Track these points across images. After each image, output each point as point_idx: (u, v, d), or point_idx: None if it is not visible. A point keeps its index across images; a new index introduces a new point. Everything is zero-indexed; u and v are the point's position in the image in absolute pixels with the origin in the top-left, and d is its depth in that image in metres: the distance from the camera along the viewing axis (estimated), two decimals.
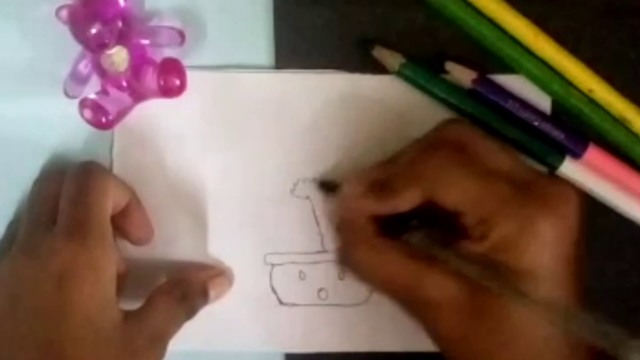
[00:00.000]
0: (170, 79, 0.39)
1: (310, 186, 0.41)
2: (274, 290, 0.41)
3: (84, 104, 0.39)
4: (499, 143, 0.37)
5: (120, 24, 0.37)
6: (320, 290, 0.41)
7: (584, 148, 0.39)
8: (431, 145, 0.36)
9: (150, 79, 0.39)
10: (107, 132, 0.40)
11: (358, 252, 0.37)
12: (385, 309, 0.40)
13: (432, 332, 0.36)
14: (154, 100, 0.40)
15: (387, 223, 0.37)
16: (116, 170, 0.40)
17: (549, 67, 0.39)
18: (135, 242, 0.40)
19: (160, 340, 0.37)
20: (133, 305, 0.37)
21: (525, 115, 0.39)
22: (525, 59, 0.39)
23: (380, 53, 0.40)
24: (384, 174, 0.37)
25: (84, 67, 0.39)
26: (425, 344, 0.37)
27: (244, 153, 0.41)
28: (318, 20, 0.40)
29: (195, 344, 0.40)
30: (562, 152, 0.39)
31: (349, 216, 0.38)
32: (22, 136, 0.41)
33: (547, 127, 0.39)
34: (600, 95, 0.39)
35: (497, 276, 0.33)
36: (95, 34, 0.37)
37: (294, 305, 0.41)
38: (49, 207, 0.37)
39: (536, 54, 0.39)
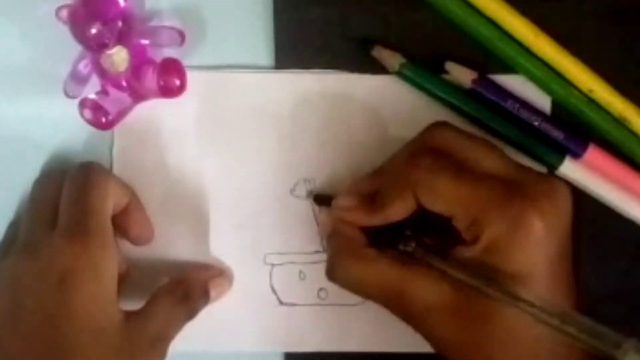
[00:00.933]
0: (170, 79, 0.39)
1: (310, 186, 0.41)
2: (273, 290, 0.41)
3: (84, 104, 0.39)
4: (485, 141, 0.36)
5: (120, 24, 0.37)
6: (320, 290, 0.41)
7: (584, 148, 0.39)
8: (417, 152, 0.36)
9: (150, 79, 0.39)
10: (107, 132, 0.40)
11: (347, 264, 0.37)
12: (385, 309, 0.40)
13: (429, 337, 0.36)
14: (153, 101, 0.40)
15: (380, 232, 0.37)
16: (116, 170, 0.40)
17: (549, 67, 0.39)
18: (135, 241, 0.40)
19: (161, 341, 0.37)
20: (133, 305, 0.37)
21: (525, 115, 0.39)
22: (525, 59, 0.39)
23: (380, 53, 0.40)
24: (374, 186, 0.37)
25: (83, 67, 0.39)
26: (425, 345, 0.37)
27: (244, 153, 0.41)
28: (318, 20, 0.40)
29: (195, 344, 0.40)
30: (563, 152, 0.39)
31: (340, 228, 0.38)
32: (22, 136, 0.41)
33: (547, 127, 0.39)
34: (600, 95, 0.39)
35: (492, 280, 0.33)
36: (95, 34, 0.37)
37: (293, 305, 0.41)
38: (49, 208, 0.37)
39: (536, 54, 0.39)
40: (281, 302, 0.41)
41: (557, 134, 0.39)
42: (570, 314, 0.31)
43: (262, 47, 0.40)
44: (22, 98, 0.41)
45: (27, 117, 0.41)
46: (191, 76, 0.40)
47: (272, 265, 0.41)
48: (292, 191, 0.41)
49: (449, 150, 0.36)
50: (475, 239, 0.34)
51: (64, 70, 0.39)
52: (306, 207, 0.41)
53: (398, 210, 0.36)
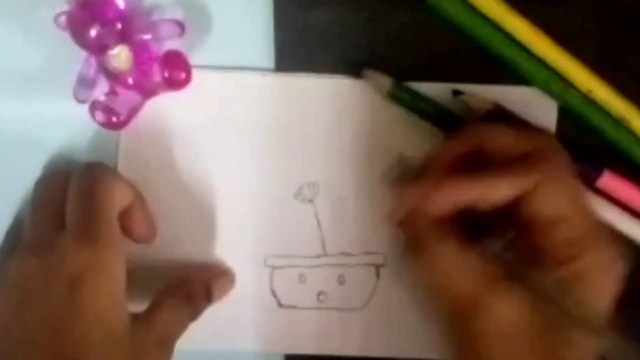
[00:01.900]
0: (175, 70, 0.39)
1: (313, 190, 0.41)
2: (273, 293, 0.41)
3: (94, 106, 0.39)
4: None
5: (119, 25, 0.38)
6: (319, 293, 0.41)
7: (598, 174, 0.39)
8: (548, 145, 0.35)
9: (156, 73, 0.39)
10: (112, 132, 0.40)
11: (441, 247, 0.34)
12: (384, 314, 0.40)
13: (478, 356, 0.34)
14: (158, 101, 0.40)
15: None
16: (121, 169, 0.41)
17: (549, 68, 0.39)
18: (138, 240, 0.40)
19: (167, 342, 0.37)
20: (135, 305, 0.37)
21: None
22: (525, 59, 0.39)
23: (369, 77, 0.40)
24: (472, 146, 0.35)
25: (89, 70, 0.39)
26: (424, 350, 0.36)
27: (249, 155, 0.41)
28: (319, 22, 0.40)
29: (195, 344, 0.40)
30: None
31: (431, 205, 0.35)
32: (27, 136, 0.41)
33: None
34: (600, 95, 0.39)
35: (575, 305, 0.32)
36: (95, 37, 0.37)
37: (293, 307, 0.41)
38: (54, 208, 0.37)
39: (536, 54, 0.39)
40: (281, 305, 0.41)
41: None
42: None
43: (262, 49, 0.40)
44: (27, 99, 0.41)
45: (31, 117, 0.41)
46: (194, 77, 0.40)
47: (273, 267, 0.41)
48: (296, 195, 0.41)
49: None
50: (570, 259, 0.33)
51: (69, 69, 0.39)
52: (309, 211, 0.41)
53: (505, 189, 0.33)
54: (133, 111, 0.40)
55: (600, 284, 0.32)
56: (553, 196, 0.33)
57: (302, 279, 0.41)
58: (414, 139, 0.40)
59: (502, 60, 0.39)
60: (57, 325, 0.35)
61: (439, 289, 0.35)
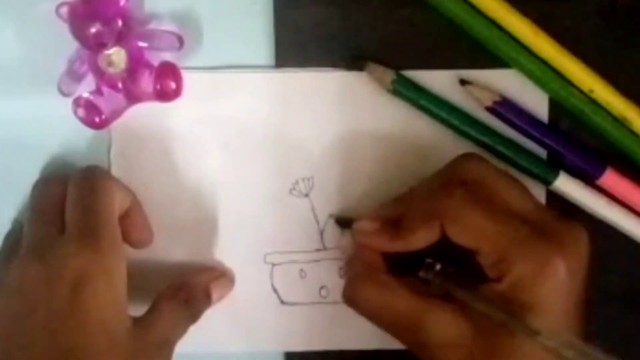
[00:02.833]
0: (167, 83, 0.39)
1: (309, 185, 0.41)
2: (275, 290, 0.41)
3: (77, 102, 0.39)
4: (515, 180, 0.37)
5: (120, 23, 0.37)
6: (321, 288, 0.41)
7: (601, 172, 0.40)
8: (447, 182, 0.36)
9: (147, 81, 0.39)
10: (105, 134, 0.40)
11: (366, 289, 0.37)
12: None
13: None
14: (151, 101, 0.39)
15: (400, 259, 0.37)
16: (114, 172, 0.40)
17: (549, 67, 0.39)
18: (136, 244, 0.39)
19: (167, 345, 0.37)
20: (134, 308, 0.37)
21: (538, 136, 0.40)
22: (525, 58, 0.39)
23: (372, 71, 0.40)
24: (399, 211, 0.37)
25: (79, 65, 0.39)
26: None
27: (243, 153, 0.41)
28: (318, 19, 0.40)
29: (197, 344, 0.40)
30: (557, 167, 0.40)
31: (361, 252, 0.38)
32: (18, 137, 0.40)
33: (563, 150, 0.40)
34: (600, 95, 0.39)
35: (512, 314, 0.33)
36: (95, 33, 0.37)
37: (295, 304, 0.41)
38: (54, 211, 0.37)
39: (536, 54, 0.39)
40: (282, 302, 0.41)
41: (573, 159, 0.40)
42: (589, 351, 0.31)
43: (262, 46, 0.40)
44: (17, 98, 0.40)
45: (23, 117, 0.40)
46: (191, 76, 0.39)
47: (273, 264, 0.41)
48: (291, 190, 0.41)
49: (480, 184, 0.36)
50: (500, 277, 0.34)
51: (60, 69, 0.39)
52: (305, 206, 0.41)
53: (422, 239, 0.36)
54: (115, 114, 0.39)
55: (540, 289, 0.33)
56: (458, 234, 0.35)
57: (302, 274, 0.41)
58: (416, 133, 0.40)
59: (503, 59, 0.39)
60: (59, 330, 0.34)
61: (377, 321, 0.37)
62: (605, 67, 0.39)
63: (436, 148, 0.40)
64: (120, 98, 0.39)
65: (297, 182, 0.41)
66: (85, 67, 0.39)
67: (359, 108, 0.40)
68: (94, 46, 0.37)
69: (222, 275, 0.41)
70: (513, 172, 0.39)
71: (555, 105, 0.40)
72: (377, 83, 0.40)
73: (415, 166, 0.40)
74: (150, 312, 0.38)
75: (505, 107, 0.39)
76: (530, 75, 0.39)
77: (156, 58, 0.39)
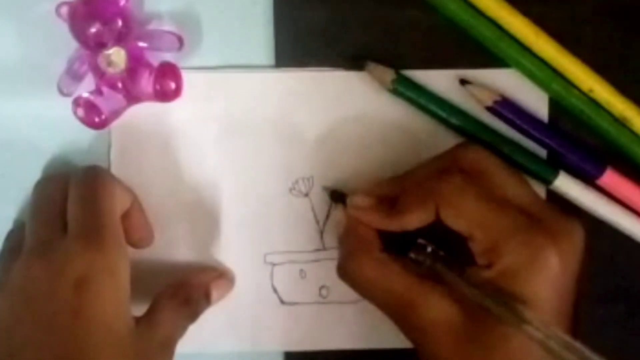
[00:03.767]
0: (167, 83, 0.39)
1: (308, 184, 0.41)
2: (275, 290, 0.41)
3: (77, 102, 0.39)
4: (514, 171, 0.37)
5: (120, 23, 0.37)
6: (321, 288, 0.41)
7: (601, 172, 0.40)
8: (446, 167, 0.36)
9: (146, 82, 0.39)
10: (105, 134, 0.40)
11: (359, 264, 0.37)
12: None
13: (426, 352, 0.36)
14: (151, 101, 0.39)
15: (393, 239, 0.37)
16: (114, 172, 0.40)
17: (549, 67, 0.39)
18: (136, 244, 0.40)
19: (168, 345, 0.38)
20: (134, 308, 0.37)
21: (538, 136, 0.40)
22: (525, 58, 0.39)
23: (372, 71, 0.40)
24: (395, 190, 0.37)
25: (79, 65, 0.39)
26: None
27: (243, 152, 0.41)
28: (318, 19, 0.40)
29: (197, 344, 0.40)
30: (556, 166, 0.40)
31: (355, 227, 0.38)
32: (18, 137, 0.40)
33: (563, 150, 0.40)
34: (600, 95, 0.39)
35: (500, 301, 0.33)
36: (95, 33, 0.37)
37: (295, 304, 0.41)
38: (55, 211, 0.37)
39: (536, 54, 0.39)
40: (283, 302, 0.41)
41: (573, 158, 0.40)
42: (572, 343, 0.32)
43: (262, 46, 0.40)
44: (18, 98, 0.40)
45: (23, 117, 0.40)
46: (191, 76, 0.40)
47: (273, 264, 0.41)
48: (291, 190, 0.41)
49: (478, 172, 0.36)
50: (490, 264, 0.34)
51: (60, 69, 0.39)
52: (305, 205, 0.41)
53: (416, 220, 0.36)
54: (115, 114, 0.39)
55: (530, 280, 0.34)
56: (452, 218, 0.35)
57: (302, 274, 0.41)
58: (416, 133, 0.40)
59: (503, 58, 0.39)
60: (62, 329, 0.34)
61: (369, 297, 0.37)
62: (605, 67, 0.39)
63: (436, 147, 0.40)
64: (120, 98, 0.39)
65: (297, 182, 0.41)
66: (85, 67, 0.39)
67: (359, 108, 0.40)
68: (94, 46, 0.37)
69: (221, 275, 0.41)
70: None
71: (555, 105, 0.40)
72: (377, 83, 0.40)
73: (415, 165, 0.40)
74: (151, 312, 0.38)
75: (505, 107, 0.39)
76: (530, 75, 0.39)
77: (156, 58, 0.39)
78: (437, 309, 0.35)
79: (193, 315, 0.39)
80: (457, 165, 0.36)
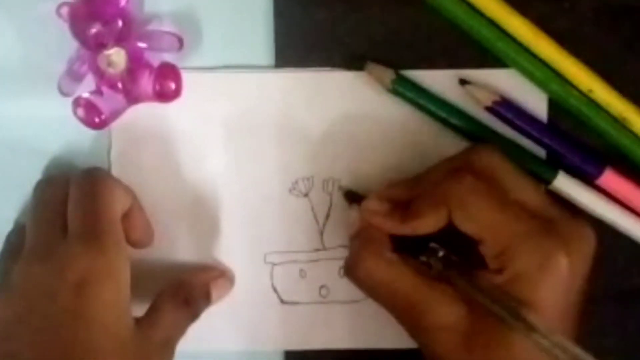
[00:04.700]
0: (167, 84, 0.39)
1: (308, 184, 0.41)
2: (275, 290, 0.41)
3: (77, 102, 0.39)
4: (526, 176, 0.37)
5: (120, 23, 0.37)
6: (321, 287, 0.41)
7: (600, 172, 0.40)
8: (458, 170, 0.36)
9: (146, 82, 0.39)
10: (105, 134, 0.40)
11: (369, 263, 0.36)
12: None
13: (432, 355, 0.36)
14: (151, 102, 0.39)
15: (403, 239, 0.37)
16: (114, 172, 0.40)
17: (549, 67, 0.39)
18: (136, 245, 0.40)
19: (169, 345, 0.38)
20: (134, 308, 0.37)
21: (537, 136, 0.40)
22: (524, 58, 0.39)
23: (372, 71, 0.40)
24: (408, 194, 0.37)
25: (79, 65, 0.39)
26: None
27: (243, 153, 0.41)
28: (318, 19, 0.40)
29: (196, 344, 0.40)
30: (556, 166, 0.40)
31: (366, 227, 0.38)
32: (18, 137, 0.41)
33: (563, 150, 0.40)
34: (600, 95, 0.39)
35: (508, 308, 0.33)
36: (95, 34, 0.37)
37: (295, 303, 0.41)
38: (56, 212, 0.37)
39: (536, 54, 0.39)
40: (283, 301, 0.41)
41: (573, 159, 0.40)
42: (580, 352, 0.32)
43: (262, 46, 0.40)
44: (18, 98, 0.40)
45: (23, 117, 0.40)
46: (190, 77, 0.40)
47: (273, 264, 0.41)
48: (291, 190, 0.41)
49: (491, 175, 0.36)
50: (501, 268, 0.34)
51: (60, 69, 0.39)
52: (305, 205, 0.41)
53: (429, 224, 0.36)
54: (115, 114, 0.39)
55: (540, 285, 0.34)
56: (463, 221, 0.35)
57: (302, 274, 0.41)
58: (416, 133, 0.40)
59: (503, 59, 0.39)
60: (63, 331, 0.34)
61: (376, 297, 0.37)
62: (605, 67, 0.39)
63: (436, 148, 0.40)
64: (120, 98, 0.39)
65: (297, 182, 0.41)
66: (85, 67, 0.39)
67: (359, 108, 0.40)
68: (94, 46, 0.37)
69: (221, 275, 0.41)
70: None
71: (554, 105, 0.40)
72: (377, 83, 0.40)
73: (415, 166, 0.40)
74: (151, 312, 0.38)
75: (504, 107, 0.39)
76: (529, 75, 0.39)
77: (156, 58, 0.39)
78: (446, 312, 0.35)
79: (193, 315, 0.39)
80: (469, 168, 0.36)
